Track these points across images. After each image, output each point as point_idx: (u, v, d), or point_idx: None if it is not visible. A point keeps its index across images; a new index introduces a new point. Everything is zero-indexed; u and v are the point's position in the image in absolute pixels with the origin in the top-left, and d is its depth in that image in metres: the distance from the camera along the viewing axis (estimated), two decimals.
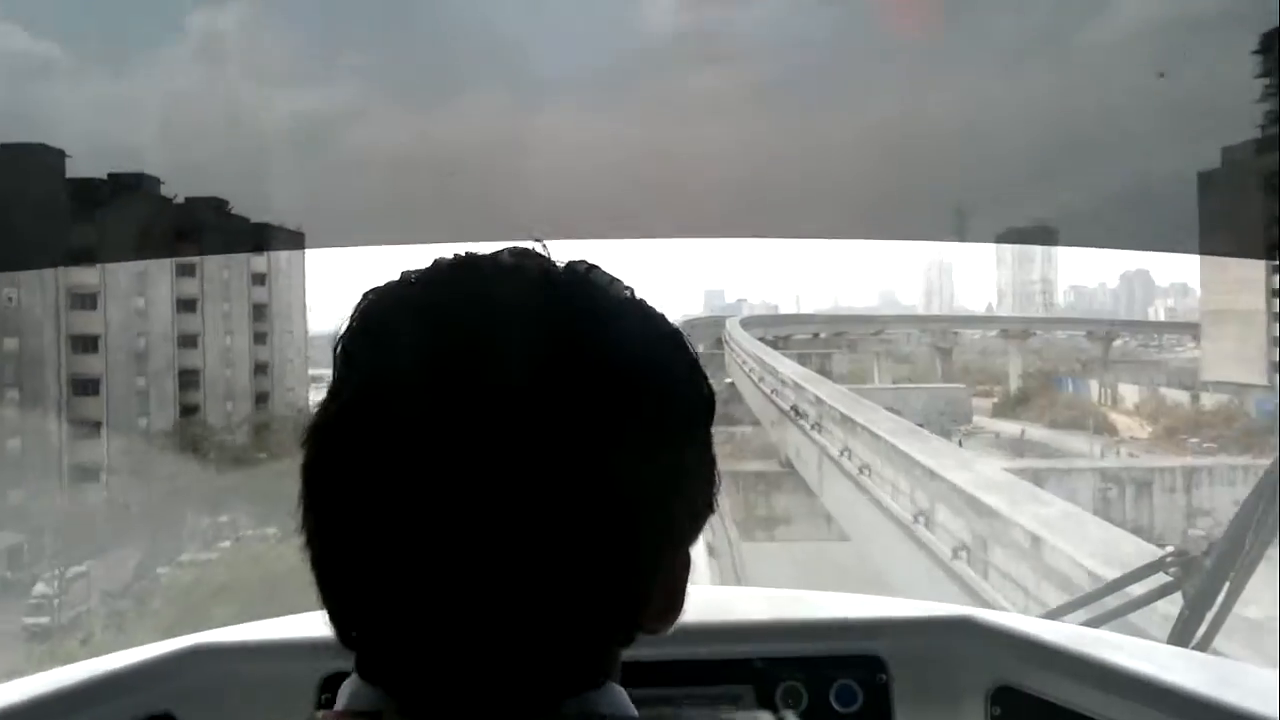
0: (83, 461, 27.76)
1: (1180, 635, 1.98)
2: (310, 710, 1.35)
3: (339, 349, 0.81)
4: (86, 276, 27.80)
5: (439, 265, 0.82)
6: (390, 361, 0.77)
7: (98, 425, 28.14)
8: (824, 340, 44.31)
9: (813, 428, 21.48)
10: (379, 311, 0.81)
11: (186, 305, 32.33)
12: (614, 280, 0.83)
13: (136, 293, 30.66)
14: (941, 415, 33.04)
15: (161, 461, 29.90)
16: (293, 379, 37.30)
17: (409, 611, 0.75)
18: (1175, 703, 1.46)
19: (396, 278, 0.82)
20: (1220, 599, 1.95)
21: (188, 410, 31.68)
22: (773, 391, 26.95)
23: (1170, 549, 2.07)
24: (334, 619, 0.80)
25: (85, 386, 28.27)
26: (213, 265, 32.63)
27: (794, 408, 23.39)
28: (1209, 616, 1.95)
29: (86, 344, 28.43)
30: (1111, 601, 2.20)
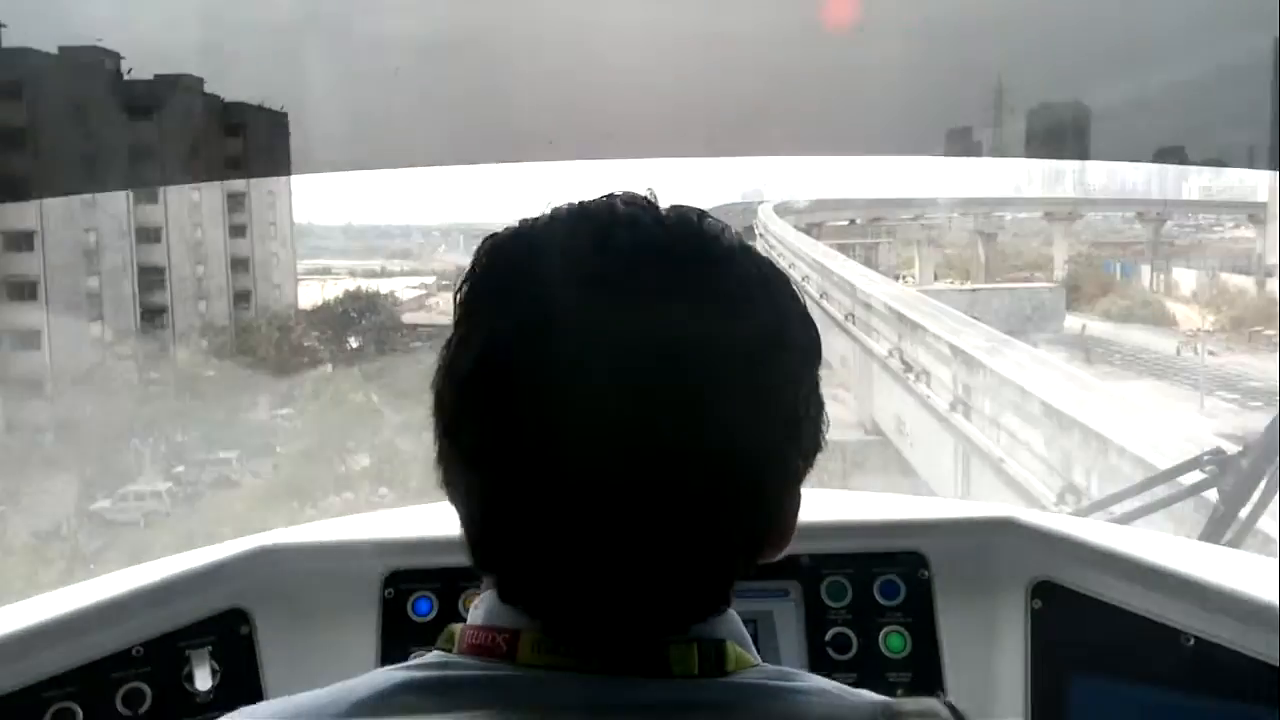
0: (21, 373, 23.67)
1: (1212, 532, 2.06)
2: (375, 602, 1.75)
3: (462, 296, 0.88)
4: (17, 163, 23.27)
5: (557, 214, 0.87)
6: (523, 312, 0.81)
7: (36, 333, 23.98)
8: (860, 227, 39.58)
9: (890, 354, 17.03)
10: (505, 260, 0.86)
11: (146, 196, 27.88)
12: (725, 227, 0.86)
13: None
14: (1028, 321, 28.46)
15: (117, 374, 25.70)
16: (281, 274, 33.12)
17: (554, 543, 0.81)
18: (1207, 596, 1.53)
19: (516, 225, 0.86)
20: (1255, 498, 1.96)
21: (151, 313, 27.47)
22: (822, 295, 22.40)
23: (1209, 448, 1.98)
24: (474, 545, 0.87)
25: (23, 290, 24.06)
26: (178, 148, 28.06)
27: (850, 315, 18.98)
28: (1242, 515, 1.98)
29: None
30: (1148, 496, 2.23)
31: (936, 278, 39.44)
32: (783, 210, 36.04)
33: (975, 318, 19.27)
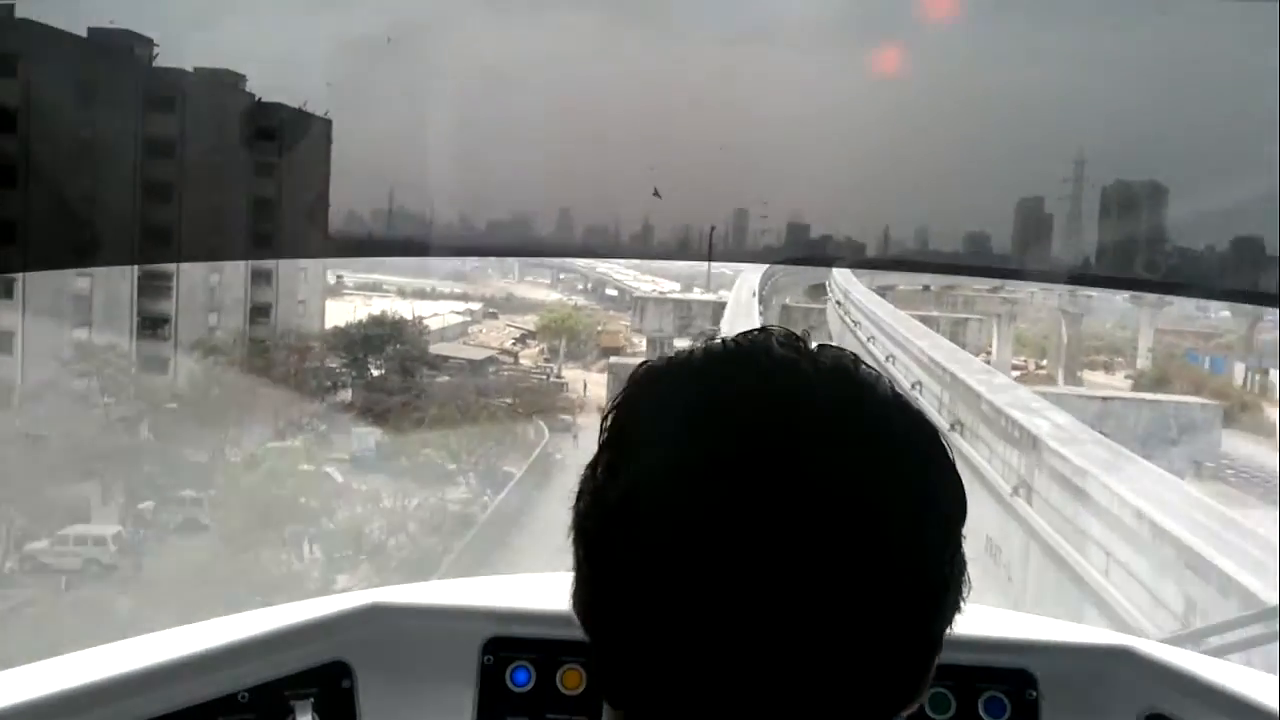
0: None
1: None
2: (474, 668, 1.77)
3: (612, 422, 0.87)
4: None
5: (713, 352, 0.85)
6: (679, 453, 0.79)
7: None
8: (935, 294, 35.83)
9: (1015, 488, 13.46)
10: (661, 394, 0.85)
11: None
12: (878, 376, 0.84)
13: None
14: (1174, 443, 24.09)
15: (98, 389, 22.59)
16: (307, 288, 30.14)
17: (699, 690, 0.78)
18: None
19: (670, 357, 0.87)
20: None
21: (151, 323, 24.37)
22: (915, 385, 18.75)
23: None
24: (610, 676, 0.84)
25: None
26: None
27: (957, 423, 15.12)
28: None
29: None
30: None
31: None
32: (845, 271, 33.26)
33: (1104, 434, 15.76)
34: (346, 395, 28.64)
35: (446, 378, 30.02)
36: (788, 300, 35.14)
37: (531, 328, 45.31)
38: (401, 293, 51.93)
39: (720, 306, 33.85)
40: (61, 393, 20.05)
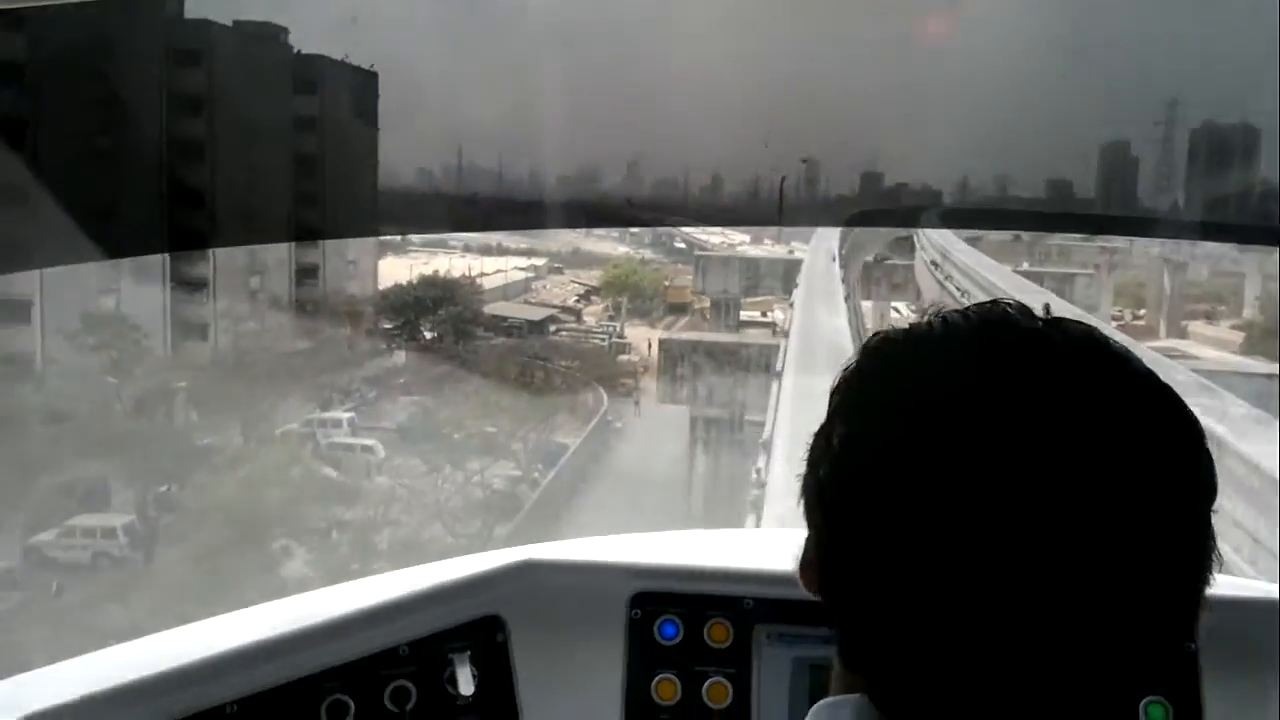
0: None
1: None
2: (622, 622, 1.81)
3: (848, 392, 0.85)
4: None
5: (953, 323, 0.83)
6: (930, 423, 0.77)
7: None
8: (1027, 245, 32.80)
9: None
10: (903, 365, 0.83)
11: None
12: (1128, 351, 0.82)
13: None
14: None
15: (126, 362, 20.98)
16: (357, 248, 28.32)
17: (952, 662, 0.77)
18: None
19: (906, 330, 0.85)
20: None
21: (188, 285, 22.71)
22: None
23: None
24: (851, 642, 0.85)
25: None
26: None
27: None
28: None
29: None
30: None
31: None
32: (931, 219, 30.34)
33: None
34: (397, 360, 26.82)
35: (503, 339, 28.02)
36: (869, 257, 32.28)
37: (596, 283, 43.33)
38: (467, 248, 50.45)
39: (792, 264, 30.79)
40: (78, 371, 18.38)
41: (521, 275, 44.08)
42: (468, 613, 1.81)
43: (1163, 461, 0.78)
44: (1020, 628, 0.75)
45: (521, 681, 1.83)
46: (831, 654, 0.95)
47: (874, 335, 0.87)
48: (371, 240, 30.33)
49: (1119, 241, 37.26)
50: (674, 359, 21.76)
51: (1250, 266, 38.09)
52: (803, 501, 0.89)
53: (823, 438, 0.86)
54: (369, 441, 19.96)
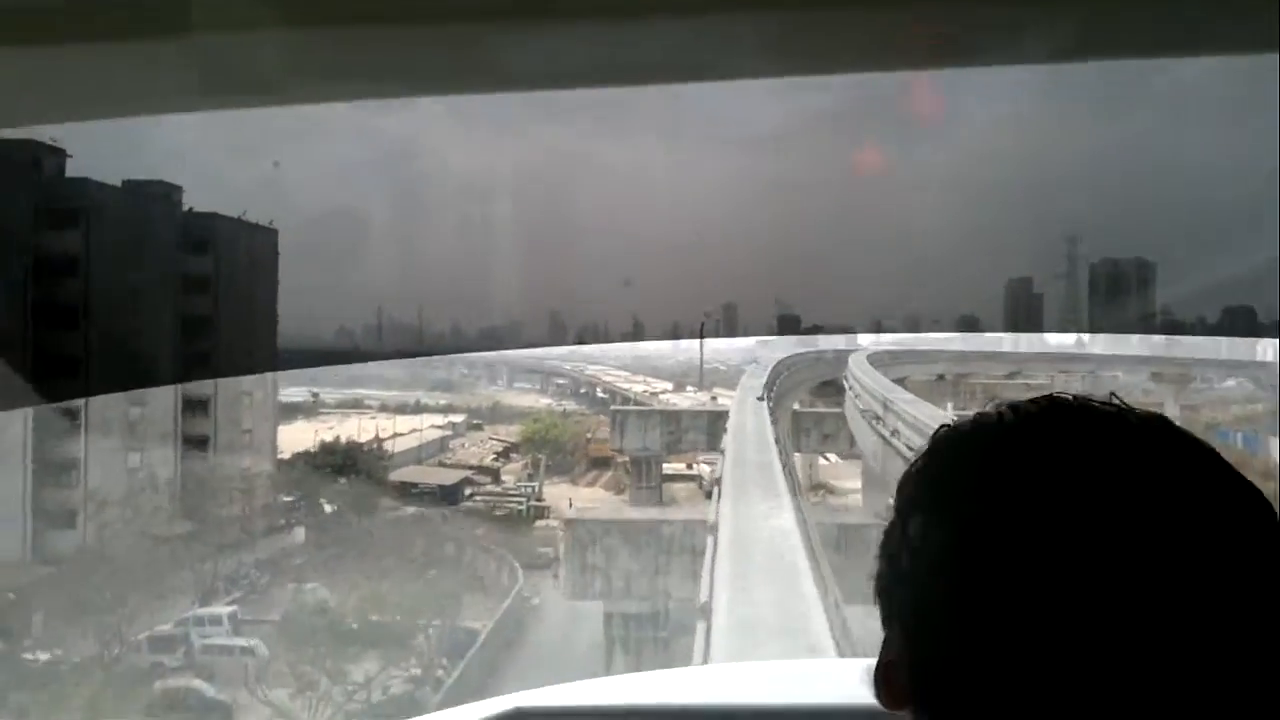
0: None
1: None
2: None
3: (919, 485, 0.83)
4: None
5: (1022, 411, 0.82)
6: (1014, 510, 0.76)
7: None
8: (950, 384, 31.99)
9: None
10: (980, 455, 0.81)
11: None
12: (1192, 435, 0.81)
13: None
14: None
15: None
16: (253, 416, 26.19)
17: None
18: None
19: (974, 421, 0.84)
20: None
21: (54, 465, 20.35)
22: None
23: None
24: None
25: None
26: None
27: None
28: None
29: None
30: None
31: None
32: (873, 361, 29.32)
33: None
34: (295, 538, 24.45)
35: (412, 509, 25.80)
36: (796, 405, 30.83)
37: (516, 439, 41.46)
38: (384, 407, 48.32)
39: (715, 416, 29.06)
40: None
41: (438, 434, 42.03)
42: None
43: (1252, 540, 0.75)
44: (1132, 703, 0.71)
45: None
46: None
47: (942, 427, 0.85)
48: (271, 405, 28.31)
49: (1039, 378, 36.87)
50: (584, 544, 19.19)
51: (1167, 396, 37.90)
52: (880, 600, 0.85)
53: (900, 532, 0.83)
54: (250, 642, 17.49)
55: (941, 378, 33.86)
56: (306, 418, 44.37)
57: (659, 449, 27.63)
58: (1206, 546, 0.74)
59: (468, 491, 28.91)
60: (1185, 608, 0.72)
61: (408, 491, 27.04)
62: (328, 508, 25.72)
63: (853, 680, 1.38)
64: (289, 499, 25.89)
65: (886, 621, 0.85)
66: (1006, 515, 0.76)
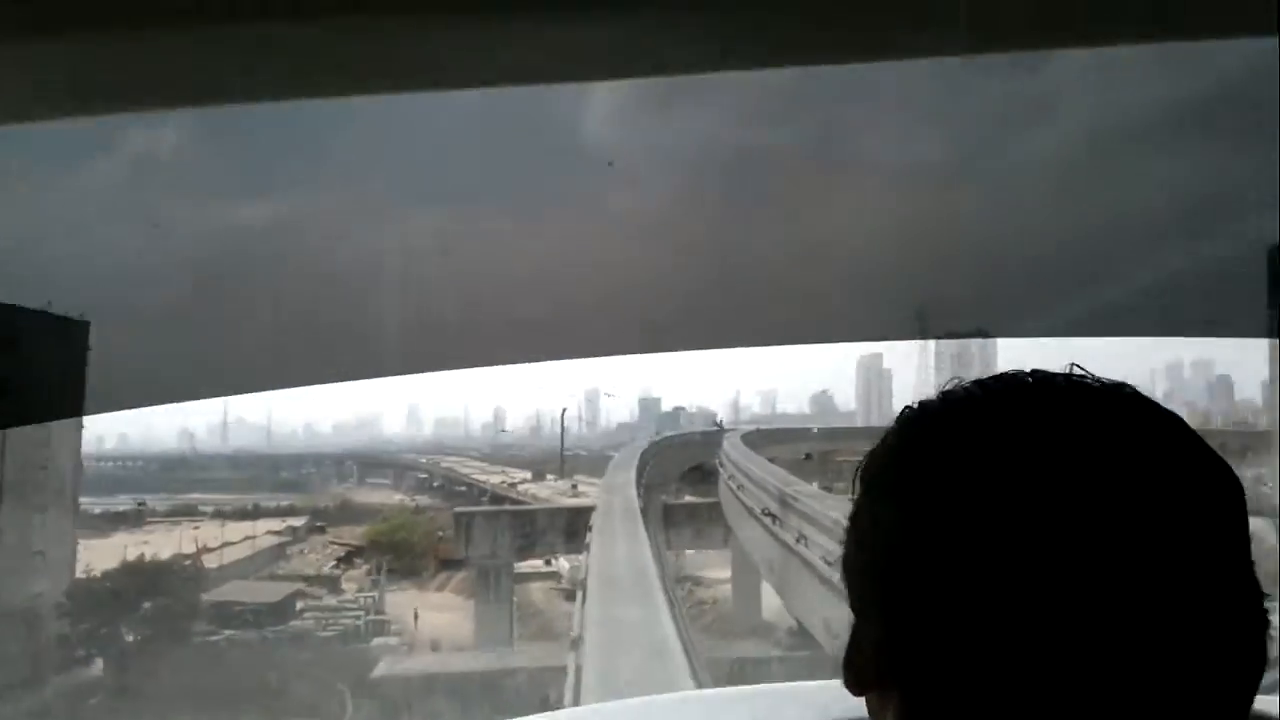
0: None
1: None
2: None
3: (885, 468, 0.82)
4: None
5: (990, 387, 0.81)
6: (995, 489, 0.74)
7: None
8: (819, 463, 30.52)
9: None
10: (952, 433, 0.79)
11: None
12: (1151, 401, 0.81)
13: None
14: None
15: None
16: (43, 536, 22.55)
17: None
18: None
19: (942, 399, 0.82)
20: None
21: None
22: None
23: None
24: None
25: None
26: None
27: None
28: None
29: None
30: None
31: None
32: (746, 442, 27.60)
33: None
34: (92, 673, 20.90)
35: (230, 633, 22.39)
36: (665, 498, 28.31)
37: (361, 541, 38.08)
38: (220, 513, 44.23)
39: (575, 513, 26.29)
40: None
41: (274, 541, 38.29)
42: None
43: (1215, 509, 0.75)
44: (1106, 672, 0.71)
45: None
46: None
47: (907, 407, 0.83)
48: (68, 519, 24.71)
49: None
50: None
51: None
52: (848, 582, 0.85)
53: (867, 512, 0.83)
54: None
55: (809, 456, 32.50)
56: (130, 529, 40.10)
57: (509, 555, 24.29)
58: (1175, 515, 0.73)
59: (299, 607, 25.52)
60: (1156, 576, 0.71)
61: (229, 611, 23.62)
62: (130, 636, 22.15)
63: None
64: (86, 627, 22.24)
65: (854, 604, 0.84)
66: (976, 489, 0.74)
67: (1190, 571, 0.73)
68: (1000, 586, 0.72)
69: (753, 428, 34.92)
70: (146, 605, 22.89)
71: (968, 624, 0.74)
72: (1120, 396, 0.79)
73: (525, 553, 24.84)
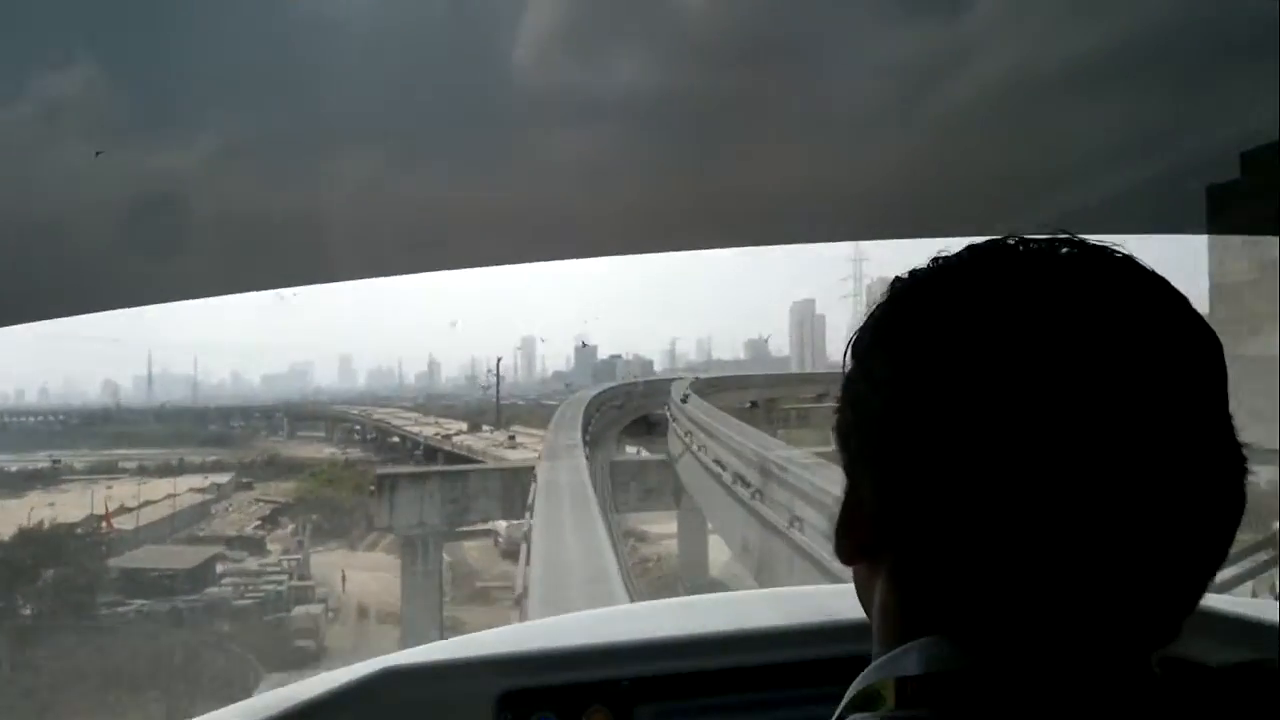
0: None
1: None
2: None
3: (879, 337, 0.81)
4: None
5: (981, 251, 0.81)
6: (999, 351, 0.74)
7: None
8: (765, 410, 29.49)
9: None
10: (943, 299, 0.79)
11: None
12: (1139, 263, 0.81)
13: None
14: None
15: None
16: None
17: (1040, 576, 0.73)
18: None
19: (931, 268, 0.81)
20: None
21: None
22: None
23: None
24: (918, 589, 0.79)
25: None
26: None
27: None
28: None
29: None
30: None
31: None
32: (683, 388, 26.22)
33: None
34: None
35: (140, 603, 20.61)
36: (616, 456, 26.38)
37: (289, 498, 36.24)
38: (143, 469, 42.09)
39: (513, 474, 24.14)
40: None
41: (197, 499, 36.31)
42: None
43: (1202, 359, 0.76)
44: (1089, 535, 0.72)
45: None
46: None
47: (897, 278, 0.82)
48: None
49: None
50: None
51: None
52: (842, 447, 0.84)
53: (861, 375, 0.81)
54: None
55: (754, 404, 31.42)
56: (44, 487, 37.85)
57: (439, 523, 21.85)
58: (1159, 367, 0.74)
59: (219, 571, 23.77)
60: (1143, 425, 0.72)
61: (140, 580, 21.80)
62: (28, 610, 20.30)
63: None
64: None
65: (849, 469, 0.83)
66: (967, 342, 0.75)
67: (1176, 420, 0.73)
68: (991, 437, 0.72)
69: (692, 376, 33.75)
70: (55, 572, 21.07)
71: (959, 477, 0.73)
72: (1106, 256, 0.79)
73: (456, 520, 22.89)
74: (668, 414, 25.21)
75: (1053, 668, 0.75)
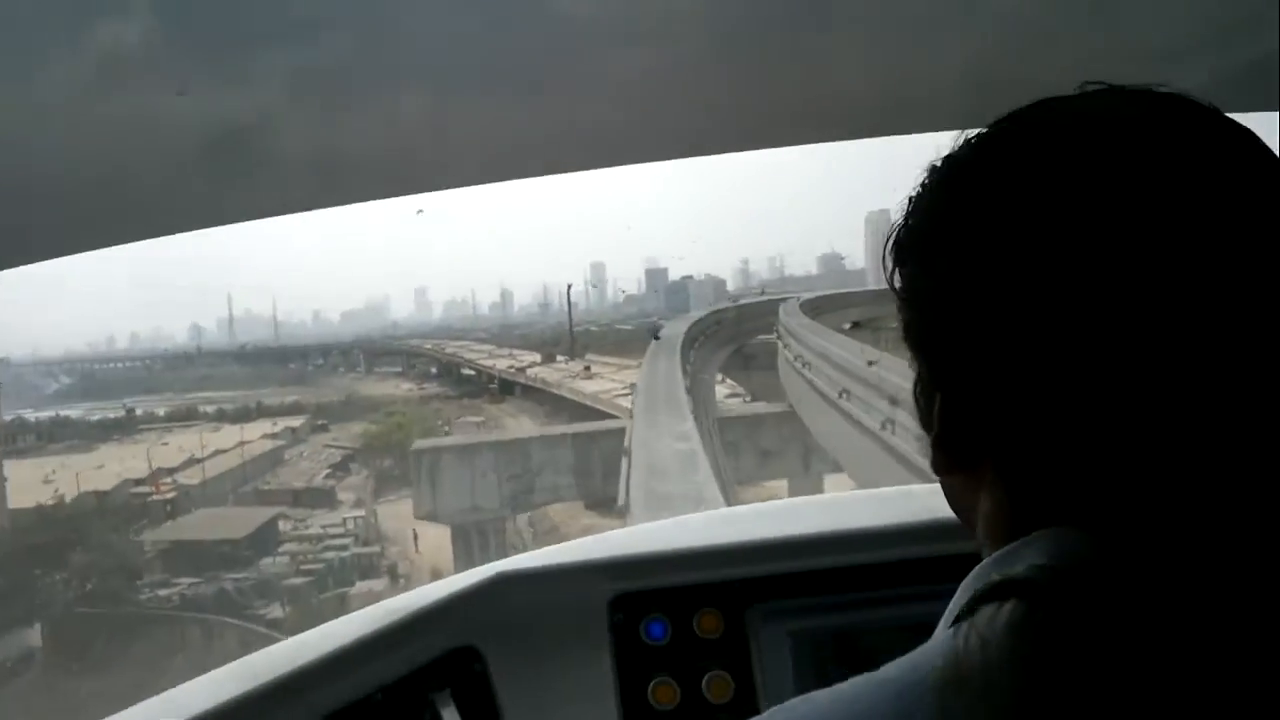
0: None
1: None
2: (605, 629, 1.59)
3: (935, 220, 0.73)
4: None
5: (1042, 116, 0.73)
6: (1081, 212, 0.67)
7: None
8: (871, 330, 26.14)
9: None
10: (1016, 169, 0.70)
11: None
12: (1207, 107, 0.73)
13: None
14: None
15: None
16: None
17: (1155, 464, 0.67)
18: None
19: (963, 144, 0.73)
20: None
21: None
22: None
23: None
24: (1013, 481, 0.72)
25: None
26: None
27: None
28: None
29: None
30: None
31: None
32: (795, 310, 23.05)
33: None
34: (29, 641, 16.84)
35: (189, 581, 17.95)
36: (722, 411, 22.60)
37: (361, 443, 33.75)
38: (222, 413, 40.22)
39: (588, 438, 20.42)
40: None
41: (270, 445, 34.05)
42: (442, 645, 1.53)
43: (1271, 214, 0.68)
44: (1209, 404, 0.65)
45: (508, 711, 1.57)
46: (826, 621, 1.15)
47: (932, 164, 0.76)
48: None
49: None
50: None
51: None
52: (919, 356, 0.76)
53: (928, 276, 0.73)
54: None
55: (857, 324, 28.11)
56: (122, 439, 36.10)
57: (498, 507, 18.13)
58: (1253, 213, 0.66)
59: (277, 536, 21.05)
60: (1249, 278, 0.65)
61: (192, 553, 19.16)
62: (66, 593, 17.82)
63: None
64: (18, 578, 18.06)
65: (932, 377, 0.75)
66: (1050, 217, 0.67)
67: (1250, 270, 0.65)
68: (1092, 308, 0.66)
69: (792, 296, 30.49)
70: (104, 543, 18.66)
71: (1067, 360, 0.66)
72: (1157, 97, 0.72)
73: (520, 503, 18.84)
74: (777, 336, 21.61)
75: (1192, 550, 0.66)
